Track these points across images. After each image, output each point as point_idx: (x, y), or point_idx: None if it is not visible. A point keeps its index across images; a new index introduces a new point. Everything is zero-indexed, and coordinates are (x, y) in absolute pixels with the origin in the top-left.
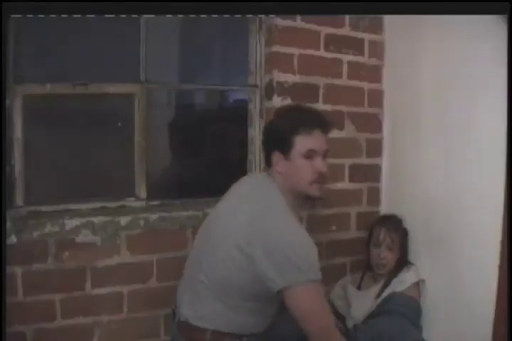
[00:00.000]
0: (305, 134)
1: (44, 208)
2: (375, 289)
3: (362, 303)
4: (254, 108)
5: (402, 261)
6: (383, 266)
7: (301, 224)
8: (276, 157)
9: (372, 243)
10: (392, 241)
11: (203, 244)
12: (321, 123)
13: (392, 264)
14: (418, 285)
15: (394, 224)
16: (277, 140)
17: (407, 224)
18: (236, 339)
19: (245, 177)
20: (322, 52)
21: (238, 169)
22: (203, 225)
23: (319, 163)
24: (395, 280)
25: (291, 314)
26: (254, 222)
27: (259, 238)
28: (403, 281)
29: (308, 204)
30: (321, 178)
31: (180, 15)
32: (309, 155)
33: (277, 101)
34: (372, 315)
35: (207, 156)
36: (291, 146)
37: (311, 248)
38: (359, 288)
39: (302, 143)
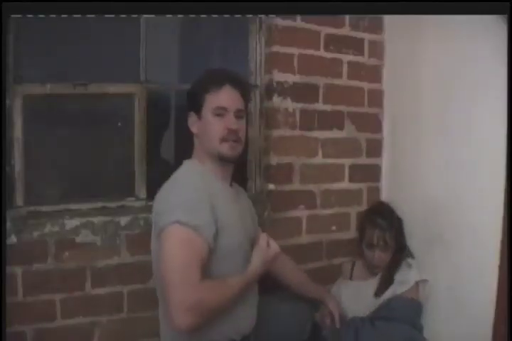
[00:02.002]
0: (214, 91)
1: (44, 208)
2: (372, 283)
3: (354, 293)
4: (254, 108)
5: (400, 255)
6: (378, 267)
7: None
8: (192, 118)
9: (364, 244)
10: (386, 243)
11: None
12: (231, 78)
13: (387, 261)
14: (418, 284)
15: (387, 222)
16: (191, 100)
17: (407, 225)
18: None
19: None
20: (322, 52)
21: (238, 168)
22: None
23: (229, 120)
24: (395, 280)
25: None
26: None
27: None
28: (405, 282)
29: (226, 167)
30: (231, 135)
31: (180, 15)
32: (219, 112)
33: (277, 101)
34: (375, 317)
35: None
36: (202, 105)
37: (186, 191)
38: (350, 278)
39: (211, 100)
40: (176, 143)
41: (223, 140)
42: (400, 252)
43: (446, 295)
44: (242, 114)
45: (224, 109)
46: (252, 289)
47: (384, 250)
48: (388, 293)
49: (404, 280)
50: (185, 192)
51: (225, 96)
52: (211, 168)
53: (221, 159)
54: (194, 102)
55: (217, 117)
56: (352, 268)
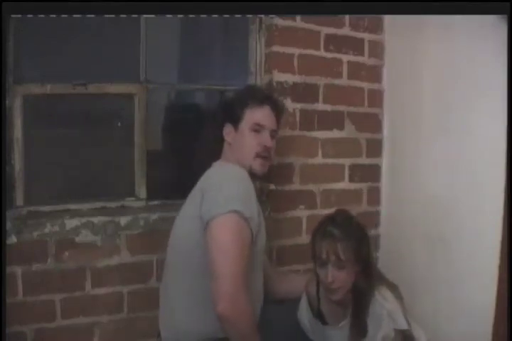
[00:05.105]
0: (254, 108)
1: (44, 208)
2: (345, 324)
3: (338, 338)
4: None
5: (366, 279)
6: (336, 291)
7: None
8: (228, 129)
9: (316, 261)
10: (339, 258)
11: (168, 251)
12: (272, 101)
13: (348, 285)
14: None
15: (340, 229)
16: (229, 112)
17: (408, 225)
18: None
19: None
20: (322, 52)
21: None
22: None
23: (265, 137)
24: (370, 325)
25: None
26: (204, 191)
27: (205, 194)
28: (381, 331)
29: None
30: (265, 152)
31: (180, 15)
32: (256, 128)
33: None
34: None
35: (207, 156)
36: (241, 118)
37: (240, 184)
38: (322, 317)
39: (251, 116)
40: (176, 143)
41: (257, 156)
42: (365, 274)
43: (446, 295)
44: (275, 134)
45: (262, 126)
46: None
47: (339, 267)
48: None
49: (380, 329)
50: (239, 185)
51: (265, 115)
52: None
53: (250, 174)
54: (232, 115)
55: (253, 133)
56: (318, 302)
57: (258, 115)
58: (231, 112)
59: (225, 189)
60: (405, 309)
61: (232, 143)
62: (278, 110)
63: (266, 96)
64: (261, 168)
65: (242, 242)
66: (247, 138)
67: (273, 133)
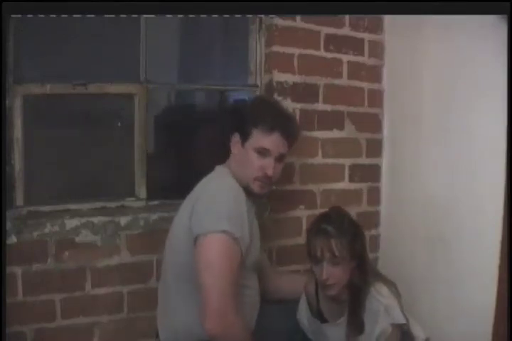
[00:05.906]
0: (263, 131)
1: (44, 208)
2: (342, 321)
3: (336, 336)
4: None
5: (362, 276)
6: (331, 286)
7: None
8: (235, 139)
9: (311, 258)
10: (334, 255)
11: (166, 250)
12: (285, 126)
13: (343, 281)
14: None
15: (333, 226)
16: (239, 125)
17: (407, 224)
18: None
19: None
20: (322, 52)
21: None
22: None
23: (267, 163)
24: (367, 321)
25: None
26: (196, 199)
27: (196, 205)
28: (378, 326)
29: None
30: (265, 178)
31: (180, 15)
32: (261, 152)
33: None
34: None
35: (207, 156)
36: (248, 136)
37: (232, 201)
38: (321, 316)
39: (258, 138)
40: (176, 143)
41: (256, 179)
42: (360, 270)
43: (446, 295)
44: (283, 157)
45: (267, 151)
46: (255, 292)
47: (334, 263)
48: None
49: (377, 324)
50: (230, 202)
51: (272, 141)
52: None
53: (248, 193)
54: (241, 128)
55: (258, 154)
56: (317, 301)
57: (265, 140)
58: (240, 126)
59: (216, 205)
60: (402, 306)
61: (236, 155)
62: (290, 136)
63: (278, 123)
64: (260, 189)
65: (231, 258)
66: (251, 157)
67: (280, 157)
